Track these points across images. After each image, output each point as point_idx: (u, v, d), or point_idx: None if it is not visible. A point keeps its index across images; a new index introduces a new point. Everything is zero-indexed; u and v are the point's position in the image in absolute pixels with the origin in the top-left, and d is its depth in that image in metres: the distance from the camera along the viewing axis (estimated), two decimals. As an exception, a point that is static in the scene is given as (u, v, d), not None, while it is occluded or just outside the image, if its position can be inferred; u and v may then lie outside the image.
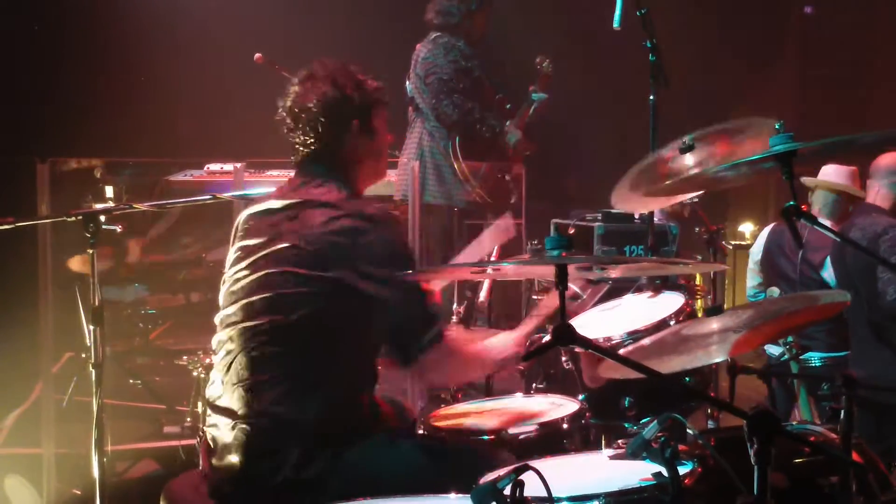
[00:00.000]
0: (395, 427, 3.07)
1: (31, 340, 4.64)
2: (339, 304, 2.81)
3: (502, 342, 3.15)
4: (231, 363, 2.89)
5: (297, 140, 3.01)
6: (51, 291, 4.57)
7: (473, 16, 6.16)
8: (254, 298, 2.88)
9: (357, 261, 2.80)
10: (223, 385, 2.91)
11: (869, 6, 9.39)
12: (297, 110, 2.98)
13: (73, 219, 3.37)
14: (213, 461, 2.87)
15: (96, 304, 3.30)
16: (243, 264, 2.96)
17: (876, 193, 4.80)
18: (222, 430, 2.86)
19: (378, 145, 3.10)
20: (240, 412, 2.83)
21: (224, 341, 2.94)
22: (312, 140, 2.98)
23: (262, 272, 2.88)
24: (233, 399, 2.86)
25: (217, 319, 3.00)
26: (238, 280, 2.95)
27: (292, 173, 3.12)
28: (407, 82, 6.21)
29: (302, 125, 2.98)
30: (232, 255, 3.03)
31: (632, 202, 3.65)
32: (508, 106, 6.31)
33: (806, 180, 5.30)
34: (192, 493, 2.89)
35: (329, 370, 2.82)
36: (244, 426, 2.81)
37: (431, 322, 2.88)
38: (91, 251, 3.32)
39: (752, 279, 5.67)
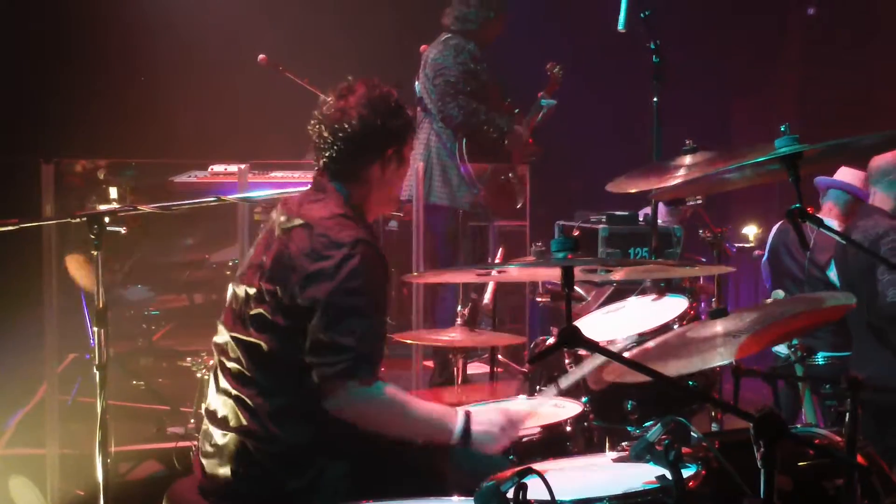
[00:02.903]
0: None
1: (35, 341, 4.64)
2: (302, 328, 2.75)
3: (445, 415, 2.85)
4: (220, 371, 2.90)
5: (325, 153, 2.95)
6: (55, 292, 4.57)
7: (491, 23, 6.17)
8: (242, 310, 2.87)
9: (303, 279, 2.74)
10: (215, 392, 2.92)
11: (871, 7, 9.39)
12: (335, 126, 2.92)
13: (78, 220, 3.36)
14: (206, 469, 2.87)
15: (101, 306, 3.29)
16: (241, 271, 2.97)
17: (875, 196, 4.79)
18: (214, 439, 2.86)
19: (403, 172, 3.07)
20: (230, 422, 2.83)
21: (218, 345, 2.95)
22: (341, 158, 2.94)
23: (252, 286, 2.86)
24: (223, 408, 2.86)
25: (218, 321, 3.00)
26: (235, 288, 2.96)
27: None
28: (416, 82, 6.22)
29: (335, 142, 2.92)
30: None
31: (626, 186, 3.64)
32: (517, 111, 6.32)
33: (819, 180, 5.32)
34: (196, 496, 2.89)
35: (311, 390, 2.76)
36: (233, 437, 2.81)
37: (340, 350, 2.69)
38: (95, 252, 3.32)
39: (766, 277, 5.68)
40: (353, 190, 2.95)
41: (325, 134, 2.93)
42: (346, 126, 2.90)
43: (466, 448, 2.81)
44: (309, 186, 3.06)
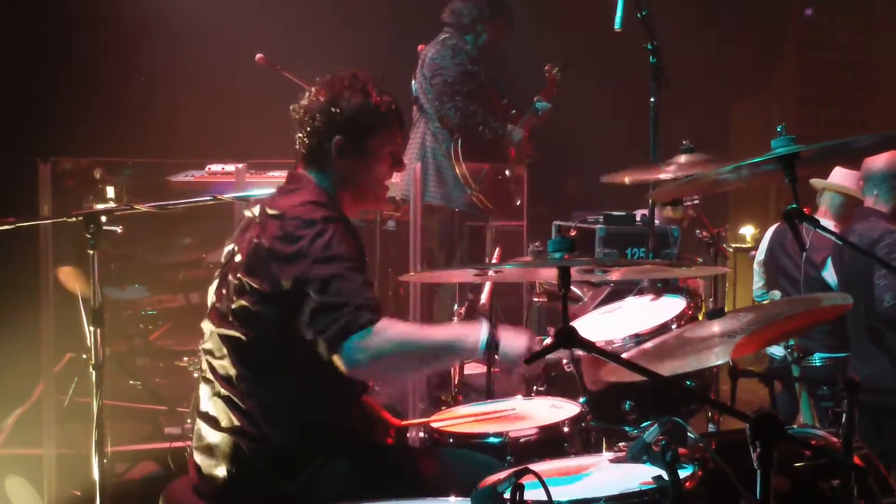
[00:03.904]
0: (389, 432, 3.05)
1: (31, 341, 4.64)
2: (288, 316, 2.73)
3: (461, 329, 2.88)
4: (210, 373, 2.89)
5: (297, 140, 3.01)
6: (52, 292, 4.57)
7: (483, 25, 6.16)
8: (226, 305, 2.86)
9: (282, 263, 2.73)
10: (206, 395, 2.90)
11: (868, 8, 9.41)
12: (299, 112, 2.99)
13: (74, 219, 3.35)
14: (201, 470, 2.86)
15: (97, 305, 3.29)
16: (222, 266, 2.96)
17: (875, 198, 4.77)
18: (208, 439, 2.85)
19: (371, 167, 2.98)
20: (223, 423, 2.81)
21: (205, 346, 2.93)
22: (303, 143, 2.99)
23: (233, 279, 2.85)
24: (214, 409, 2.85)
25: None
26: (217, 283, 2.95)
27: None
28: (413, 82, 6.21)
29: (300, 128, 2.99)
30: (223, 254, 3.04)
31: (620, 177, 3.64)
32: (514, 111, 6.32)
33: (815, 182, 5.32)
34: (192, 495, 2.88)
35: (300, 386, 2.76)
36: (227, 437, 2.79)
37: (336, 308, 2.65)
38: (92, 252, 3.31)
39: (758, 280, 5.69)
40: (329, 178, 2.97)
41: (296, 120, 3.01)
42: (301, 111, 2.98)
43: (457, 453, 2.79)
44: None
